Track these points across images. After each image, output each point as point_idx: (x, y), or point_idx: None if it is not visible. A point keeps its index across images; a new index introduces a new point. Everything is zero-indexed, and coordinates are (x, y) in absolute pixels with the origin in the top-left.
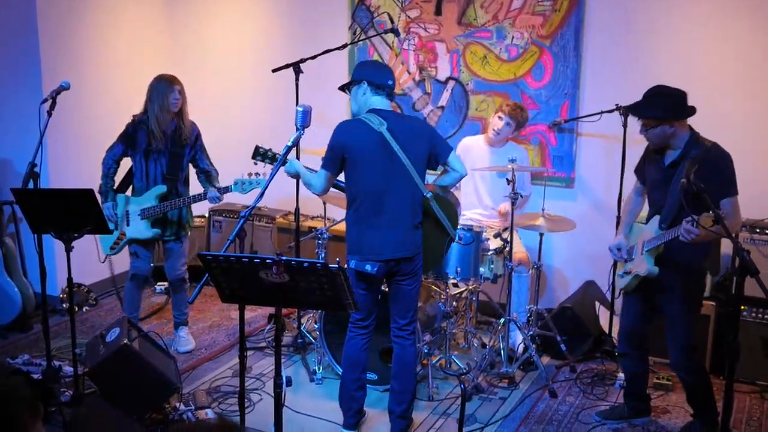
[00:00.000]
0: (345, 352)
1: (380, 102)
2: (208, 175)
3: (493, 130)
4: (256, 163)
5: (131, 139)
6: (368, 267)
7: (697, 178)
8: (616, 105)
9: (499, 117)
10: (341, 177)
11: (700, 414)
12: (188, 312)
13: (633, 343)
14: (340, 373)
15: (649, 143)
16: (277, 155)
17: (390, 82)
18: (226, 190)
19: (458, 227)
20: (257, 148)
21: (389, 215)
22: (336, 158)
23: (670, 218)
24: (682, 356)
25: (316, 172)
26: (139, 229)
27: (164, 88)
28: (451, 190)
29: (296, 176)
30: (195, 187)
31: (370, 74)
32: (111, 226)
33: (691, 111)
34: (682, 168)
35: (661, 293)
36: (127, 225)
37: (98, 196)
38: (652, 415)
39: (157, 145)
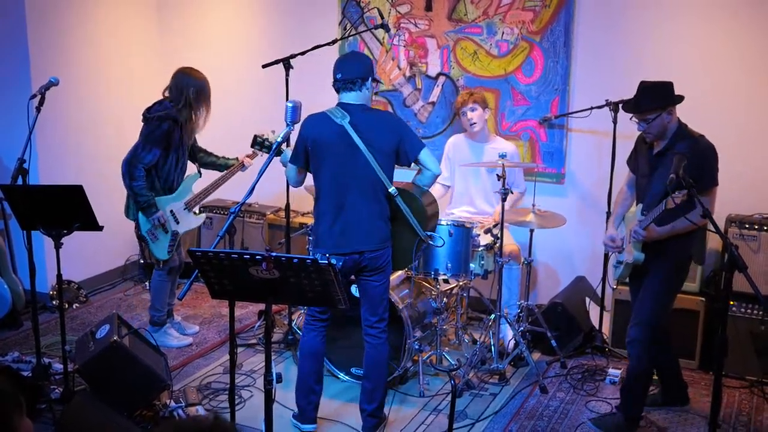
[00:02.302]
0: (302, 344)
1: (347, 96)
2: (207, 152)
3: (470, 125)
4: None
5: (169, 137)
6: (333, 261)
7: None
8: (606, 101)
9: (463, 112)
10: None
11: (626, 407)
12: None
13: None
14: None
15: (648, 137)
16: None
17: (338, 75)
18: (254, 154)
19: (435, 228)
20: (255, 137)
21: (352, 208)
22: (300, 151)
23: (653, 207)
24: (639, 333)
25: None
26: (191, 220)
27: (209, 92)
28: (439, 188)
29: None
30: None
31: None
32: (164, 232)
33: (681, 97)
34: (668, 158)
35: (646, 277)
36: (177, 223)
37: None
38: (688, 405)
39: (188, 140)
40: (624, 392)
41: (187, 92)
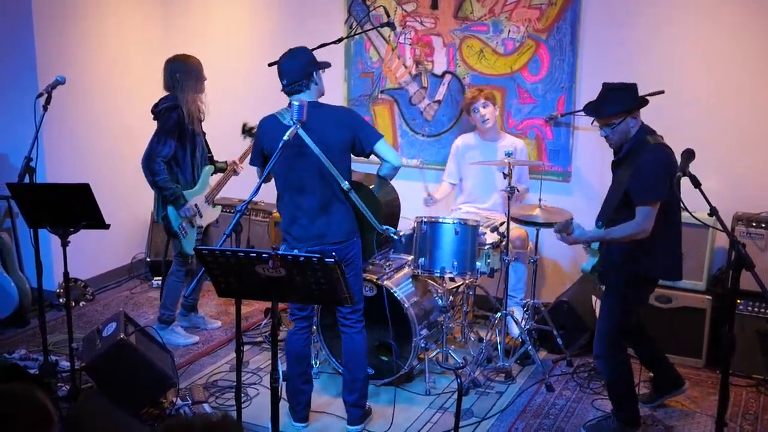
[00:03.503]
0: (287, 347)
1: (297, 97)
2: (209, 148)
3: (483, 121)
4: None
5: (181, 126)
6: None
7: (630, 173)
8: None
9: (475, 109)
10: None
11: (618, 411)
12: None
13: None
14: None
15: (610, 143)
16: None
17: (284, 81)
18: (243, 158)
19: (396, 220)
20: (245, 125)
21: (310, 206)
22: (257, 154)
23: (605, 215)
24: (599, 348)
25: None
26: (210, 214)
27: (198, 70)
28: (446, 186)
29: None
30: None
31: None
32: (191, 226)
33: (646, 101)
34: (621, 168)
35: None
36: (201, 217)
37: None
38: (684, 386)
39: (196, 127)
40: (610, 399)
41: (175, 78)
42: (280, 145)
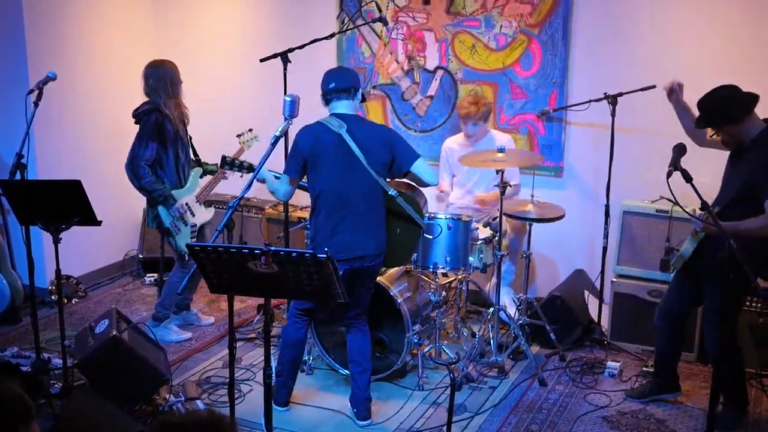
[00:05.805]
0: (284, 335)
1: (341, 106)
2: (195, 150)
3: (468, 136)
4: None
5: (161, 129)
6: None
7: (749, 170)
8: (605, 94)
9: (465, 124)
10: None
11: (733, 399)
12: None
13: (666, 318)
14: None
15: (727, 146)
16: (244, 163)
17: (331, 85)
18: (240, 151)
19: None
20: (224, 157)
21: (352, 215)
22: (298, 163)
23: (721, 205)
24: (719, 352)
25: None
26: (203, 213)
27: (173, 74)
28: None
29: (263, 182)
30: None
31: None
32: (183, 223)
33: (754, 100)
34: (739, 161)
35: (705, 284)
36: (193, 215)
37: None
38: (679, 393)
39: (180, 131)
40: (724, 392)
41: (149, 84)
42: (272, 141)
